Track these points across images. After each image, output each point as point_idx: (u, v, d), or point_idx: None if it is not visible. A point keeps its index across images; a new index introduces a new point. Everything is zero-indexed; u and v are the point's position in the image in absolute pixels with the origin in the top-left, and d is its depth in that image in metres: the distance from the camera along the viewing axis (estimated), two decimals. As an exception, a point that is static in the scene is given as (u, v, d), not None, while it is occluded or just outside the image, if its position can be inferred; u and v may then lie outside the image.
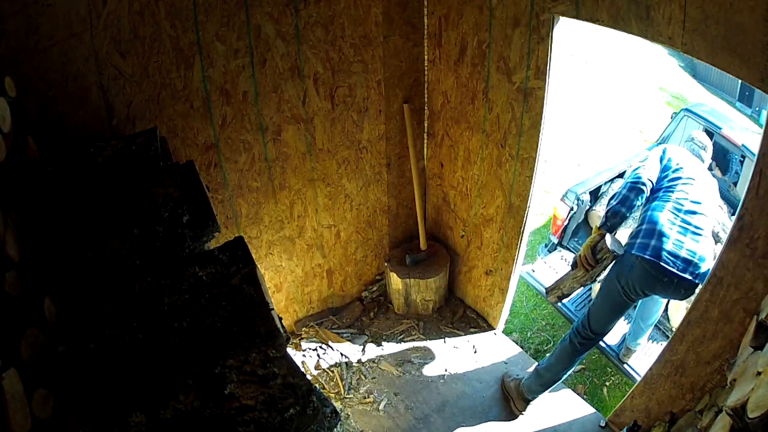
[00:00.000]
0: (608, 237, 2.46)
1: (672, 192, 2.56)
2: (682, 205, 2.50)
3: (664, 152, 2.72)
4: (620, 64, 8.40)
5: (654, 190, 2.59)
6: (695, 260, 2.34)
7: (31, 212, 1.30)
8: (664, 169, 2.65)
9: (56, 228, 1.30)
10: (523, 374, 2.93)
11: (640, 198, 2.53)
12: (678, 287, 2.36)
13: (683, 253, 2.35)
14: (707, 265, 2.33)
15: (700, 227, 2.44)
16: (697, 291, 2.29)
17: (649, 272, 2.35)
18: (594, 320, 2.57)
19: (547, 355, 2.90)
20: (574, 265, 2.55)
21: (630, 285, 2.42)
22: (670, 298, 2.72)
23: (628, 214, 2.50)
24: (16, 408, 0.85)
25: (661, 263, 2.33)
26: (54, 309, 1.13)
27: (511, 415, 2.84)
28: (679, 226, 2.43)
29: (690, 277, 2.32)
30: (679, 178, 2.60)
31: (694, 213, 2.48)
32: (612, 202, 2.54)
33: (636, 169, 2.64)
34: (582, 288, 2.62)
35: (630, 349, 3.13)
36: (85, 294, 1.21)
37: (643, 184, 2.53)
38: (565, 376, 2.77)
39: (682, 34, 1.75)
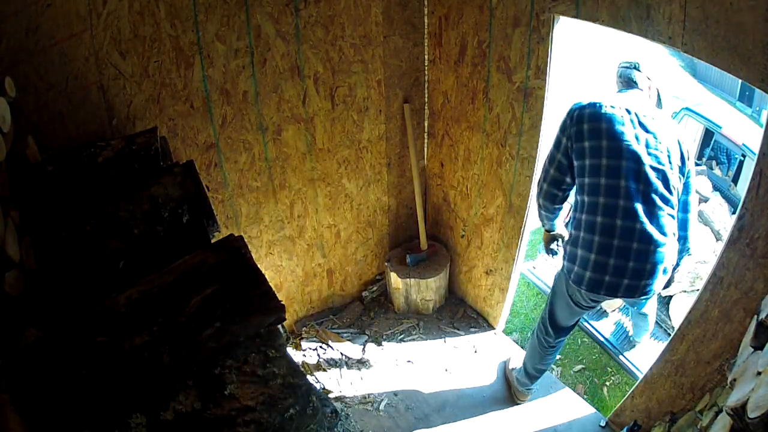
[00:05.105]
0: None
1: (598, 184, 1.98)
2: (615, 206, 1.95)
3: (564, 120, 2.08)
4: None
5: (581, 186, 2.07)
6: (644, 279, 2.01)
7: (31, 212, 1.30)
8: (577, 149, 2.02)
9: (56, 228, 1.30)
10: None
11: (552, 202, 2.22)
12: (632, 300, 2.20)
13: (626, 280, 2.00)
14: (668, 261, 2.04)
15: (647, 232, 1.94)
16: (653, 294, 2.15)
17: (592, 295, 2.14)
18: (553, 317, 2.42)
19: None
20: None
21: (579, 298, 2.22)
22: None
23: (552, 217, 2.32)
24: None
25: (602, 294, 2.08)
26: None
27: (512, 402, 2.87)
28: (619, 241, 1.96)
29: (642, 294, 2.05)
30: (596, 153, 1.97)
31: (632, 213, 1.93)
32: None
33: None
34: None
35: (631, 343, 3.16)
36: (85, 295, 1.21)
37: (551, 186, 2.16)
38: (545, 370, 2.69)
39: (682, 34, 1.75)
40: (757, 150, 1.69)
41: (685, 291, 3.56)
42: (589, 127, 1.98)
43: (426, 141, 3.18)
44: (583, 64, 7.59)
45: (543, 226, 2.46)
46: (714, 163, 4.38)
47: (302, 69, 2.48)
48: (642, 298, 2.11)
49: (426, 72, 2.94)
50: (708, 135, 4.14)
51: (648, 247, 1.96)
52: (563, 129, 2.06)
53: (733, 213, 3.42)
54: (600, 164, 1.96)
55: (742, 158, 3.73)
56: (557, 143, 2.09)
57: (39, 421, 0.91)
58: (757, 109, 7.06)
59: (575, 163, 2.04)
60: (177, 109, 2.19)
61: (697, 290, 2.13)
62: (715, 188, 4.09)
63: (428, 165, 3.27)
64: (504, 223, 2.91)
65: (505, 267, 3.04)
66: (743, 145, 3.68)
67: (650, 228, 1.94)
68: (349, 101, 2.74)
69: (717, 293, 1.98)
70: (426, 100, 3.04)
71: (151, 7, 1.94)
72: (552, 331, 2.45)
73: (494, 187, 2.87)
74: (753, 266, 1.82)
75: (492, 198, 2.91)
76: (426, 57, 2.89)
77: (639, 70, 2.21)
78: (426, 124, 3.12)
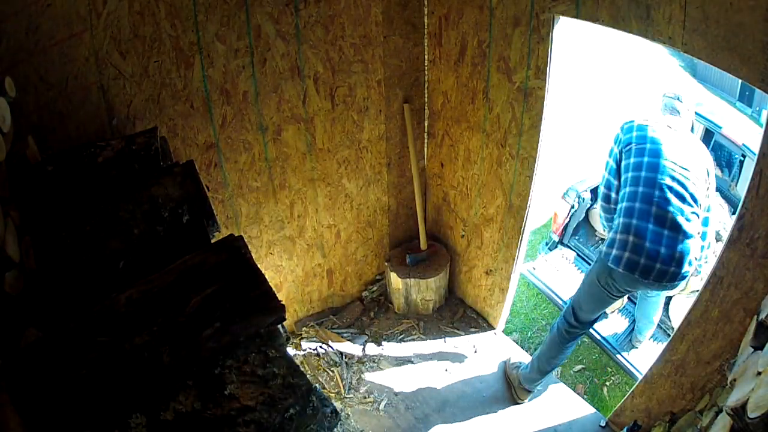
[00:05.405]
0: None
1: (639, 176, 2.36)
2: (652, 195, 2.31)
3: (617, 134, 2.53)
4: (621, 63, 8.40)
5: (625, 180, 2.44)
6: (673, 266, 2.26)
7: (31, 212, 1.30)
8: (625, 152, 2.46)
9: (56, 228, 1.30)
10: (524, 362, 2.97)
11: (607, 202, 2.58)
12: (660, 286, 2.37)
13: (658, 264, 2.26)
14: (693, 253, 2.29)
15: (677, 222, 2.27)
16: (682, 281, 2.34)
17: (626, 278, 2.35)
18: (579, 310, 2.61)
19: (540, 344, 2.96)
20: None
21: (610, 285, 2.43)
22: (655, 291, 2.86)
23: (609, 217, 2.60)
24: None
25: (636, 276, 2.29)
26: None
27: (512, 402, 2.90)
28: (654, 226, 2.28)
29: (670, 280, 2.29)
30: (640, 153, 2.39)
31: (666, 203, 2.28)
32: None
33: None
34: None
35: (632, 343, 3.23)
36: (85, 295, 1.21)
37: (604, 187, 2.57)
38: (557, 365, 2.82)
39: (683, 34, 1.75)
40: (757, 150, 1.70)
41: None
42: (637, 135, 2.42)
43: (426, 141, 3.18)
44: (583, 64, 7.60)
45: (603, 228, 2.88)
46: (714, 163, 4.38)
47: (302, 69, 2.48)
48: (669, 284, 2.34)
49: (426, 72, 2.94)
50: (708, 135, 4.13)
51: (677, 236, 2.26)
52: (616, 140, 2.51)
53: (733, 213, 3.41)
54: (642, 161, 2.35)
55: (742, 158, 3.72)
56: (611, 152, 2.53)
57: (39, 421, 0.91)
58: (757, 109, 7.05)
59: (623, 162, 2.43)
60: (177, 109, 2.19)
61: (697, 290, 2.14)
62: (715, 188, 4.09)
63: (428, 165, 3.27)
64: (504, 223, 2.91)
65: (505, 267, 3.04)
66: (743, 145, 3.67)
67: (680, 218, 2.27)
68: (349, 101, 2.74)
69: (717, 293, 1.98)
70: (426, 100, 3.04)
71: (151, 7, 1.94)
72: (575, 322, 2.62)
73: (494, 187, 2.87)
74: (753, 266, 1.82)
75: (492, 198, 2.91)
76: (426, 57, 2.89)
77: (681, 102, 2.63)
78: (426, 124, 3.12)
